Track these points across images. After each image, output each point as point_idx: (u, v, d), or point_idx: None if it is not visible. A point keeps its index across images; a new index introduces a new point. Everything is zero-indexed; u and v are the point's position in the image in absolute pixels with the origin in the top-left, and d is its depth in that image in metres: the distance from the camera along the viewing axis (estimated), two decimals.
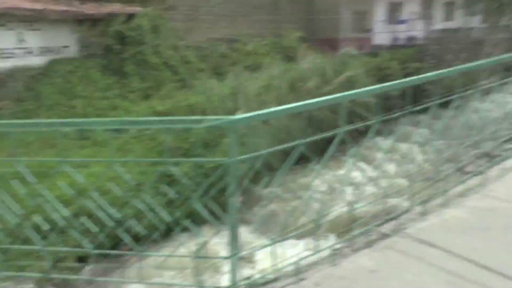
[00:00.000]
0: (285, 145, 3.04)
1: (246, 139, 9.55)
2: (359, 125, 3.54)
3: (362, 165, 8.48)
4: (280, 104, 3.02)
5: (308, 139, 3.05)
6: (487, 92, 4.82)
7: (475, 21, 25.21)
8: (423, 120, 4.22)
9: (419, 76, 4.06)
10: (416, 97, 3.86)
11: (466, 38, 21.70)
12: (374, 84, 13.91)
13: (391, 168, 6.89)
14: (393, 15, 23.15)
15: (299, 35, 19.16)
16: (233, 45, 17.90)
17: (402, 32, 21.93)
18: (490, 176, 4.56)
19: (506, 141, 5.53)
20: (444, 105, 4.17)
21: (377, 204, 3.81)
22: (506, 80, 5.10)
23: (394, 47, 20.74)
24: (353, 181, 7.46)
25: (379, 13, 21.91)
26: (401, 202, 4.16)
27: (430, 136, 4.30)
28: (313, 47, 16.83)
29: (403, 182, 3.97)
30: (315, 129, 11.05)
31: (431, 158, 4.24)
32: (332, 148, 3.16)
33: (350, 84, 12.87)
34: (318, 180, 8.73)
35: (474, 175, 4.54)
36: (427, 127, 4.11)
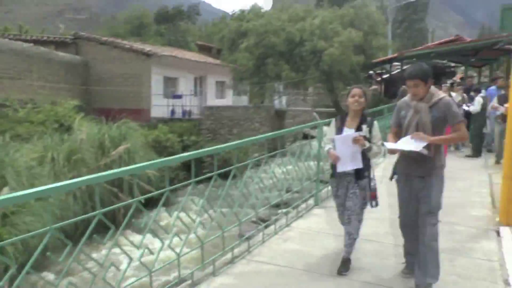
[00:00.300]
0: (29, 234, 2.87)
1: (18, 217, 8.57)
2: (116, 205, 3.54)
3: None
4: (56, 178, 2.80)
5: (58, 224, 2.87)
6: (259, 163, 5.31)
7: (244, 100, 28.06)
8: (202, 190, 4.41)
9: (200, 150, 4.27)
10: (195, 168, 4.01)
11: (237, 115, 23.88)
12: (154, 157, 14.06)
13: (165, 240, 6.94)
14: (169, 90, 24.16)
15: (76, 103, 18.43)
16: (1, 111, 16.13)
17: (179, 106, 22.92)
18: (256, 241, 4.99)
19: (275, 207, 6.10)
20: (223, 175, 4.42)
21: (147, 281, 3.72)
22: (273, 153, 5.73)
23: (172, 120, 21.47)
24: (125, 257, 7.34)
25: (156, 87, 22.60)
26: (172, 273, 4.19)
27: (207, 205, 4.49)
28: (91, 117, 16.23)
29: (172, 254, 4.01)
30: (95, 203, 10.54)
31: (205, 227, 4.40)
32: (88, 232, 3.02)
33: (129, 156, 12.73)
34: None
35: (244, 241, 4.87)
36: (206, 197, 4.29)
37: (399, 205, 4.05)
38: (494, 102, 9.50)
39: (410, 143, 3.67)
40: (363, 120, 4.25)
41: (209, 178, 4.27)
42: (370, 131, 4.20)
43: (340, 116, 4.45)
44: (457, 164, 9.70)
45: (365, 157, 4.17)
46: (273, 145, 5.69)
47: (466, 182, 8.31)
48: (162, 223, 9.29)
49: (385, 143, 3.97)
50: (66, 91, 20.35)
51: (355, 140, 4.05)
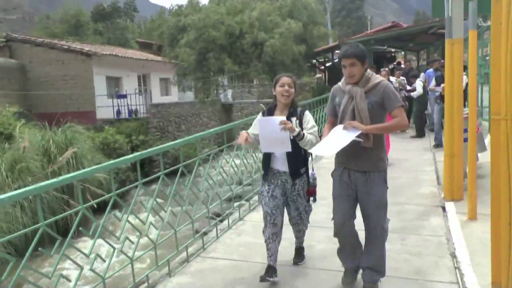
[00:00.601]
0: None
1: None
2: (60, 216, 3.43)
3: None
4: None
5: None
6: (211, 158, 5.28)
7: (190, 96, 27.80)
8: (155, 189, 4.34)
9: (148, 150, 4.19)
10: (146, 168, 3.95)
11: (184, 111, 23.62)
12: (103, 159, 13.74)
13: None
14: (113, 90, 23.63)
15: (16, 110, 17.64)
16: None
17: (124, 106, 22.43)
18: (211, 237, 4.98)
19: (229, 201, 6.08)
20: (174, 173, 4.38)
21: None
22: (221, 147, 5.72)
23: (118, 120, 21.02)
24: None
25: (99, 87, 22.02)
26: (127, 278, 4.12)
27: (162, 204, 4.42)
28: (33, 123, 15.55)
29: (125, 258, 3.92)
30: (45, 213, 10.18)
31: (161, 227, 4.32)
32: (32, 245, 2.89)
33: (76, 161, 12.37)
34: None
35: (198, 238, 4.83)
36: (154, 197, 4.21)
37: (333, 204, 3.57)
38: (432, 85, 9.89)
39: (342, 136, 3.26)
40: (293, 112, 3.81)
41: (159, 178, 4.21)
42: (301, 124, 3.76)
43: (268, 108, 3.98)
44: (403, 145, 10.05)
45: (300, 152, 3.79)
46: (223, 140, 5.66)
47: (412, 162, 8.64)
48: (116, 228, 9.11)
49: (312, 150, 3.55)
50: (2, 97, 19.43)
51: (283, 124, 3.51)
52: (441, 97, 8.58)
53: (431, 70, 11.08)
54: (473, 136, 5.27)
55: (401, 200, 6.09)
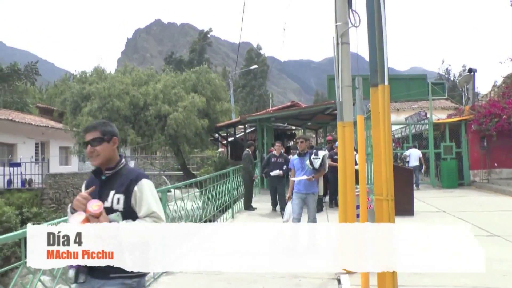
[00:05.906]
0: None
1: None
2: None
3: None
4: None
5: None
6: None
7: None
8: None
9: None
10: None
11: (83, 182, 22.56)
12: None
13: None
14: (7, 157, 22.25)
15: None
16: None
17: (18, 175, 21.07)
18: None
19: None
20: None
21: None
22: None
23: (9, 191, 19.63)
24: None
25: None
26: None
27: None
28: None
29: None
30: None
31: None
32: None
33: None
34: None
35: None
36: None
37: None
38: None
39: None
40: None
41: None
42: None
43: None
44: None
45: None
46: None
47: None
48: None
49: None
50: None
51: None
52: None
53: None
54: (365, 212, 5.64)
55: (299, 273, 6.22)
